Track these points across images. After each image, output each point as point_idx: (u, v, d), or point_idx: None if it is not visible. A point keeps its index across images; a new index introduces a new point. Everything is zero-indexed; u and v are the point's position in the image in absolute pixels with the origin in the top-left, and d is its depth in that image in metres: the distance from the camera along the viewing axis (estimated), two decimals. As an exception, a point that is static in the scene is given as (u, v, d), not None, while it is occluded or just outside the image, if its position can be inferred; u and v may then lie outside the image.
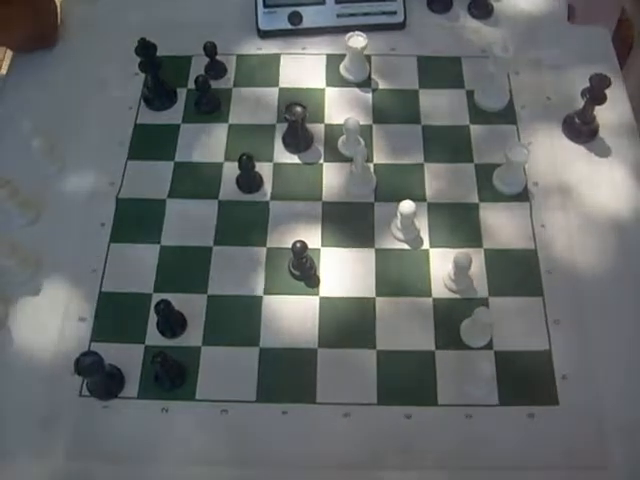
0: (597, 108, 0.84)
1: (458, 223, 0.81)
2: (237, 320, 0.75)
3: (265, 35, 0.96)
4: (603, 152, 0.86)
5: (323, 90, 0.92)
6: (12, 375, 0.73)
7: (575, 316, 0.75)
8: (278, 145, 0.87)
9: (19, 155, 0.85)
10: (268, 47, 0.96)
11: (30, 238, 0.80)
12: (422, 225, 0.80)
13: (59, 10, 0.98)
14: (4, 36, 0.93)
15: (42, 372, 0.72)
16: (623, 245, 0.79)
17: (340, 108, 0.90)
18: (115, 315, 0.76)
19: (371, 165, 0.85)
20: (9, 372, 0.73)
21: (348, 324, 0.75)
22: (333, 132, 0.87)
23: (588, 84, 0.82)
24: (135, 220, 0.82)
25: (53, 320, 0.75)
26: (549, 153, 0.86)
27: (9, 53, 0.99)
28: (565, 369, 0.72)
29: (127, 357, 0.73)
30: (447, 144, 0.87)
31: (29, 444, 0.69)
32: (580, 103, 0.84)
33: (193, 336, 0.74)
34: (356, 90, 0.92)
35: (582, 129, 0.86)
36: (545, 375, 0.72)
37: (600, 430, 0.69)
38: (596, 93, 0.82)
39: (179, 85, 0.92)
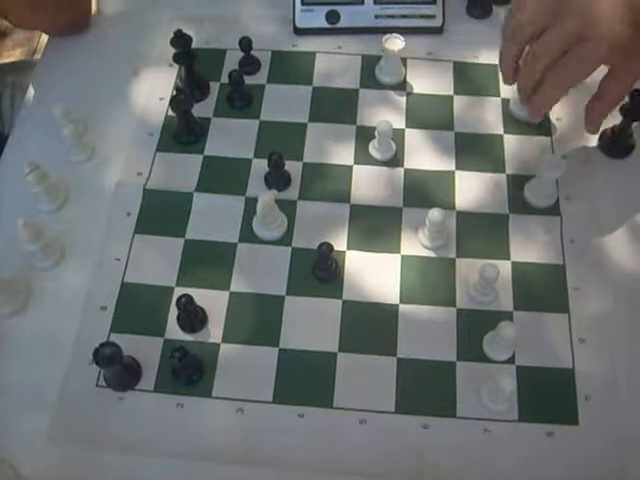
0: (635, 124, 0.82)
1: (486, 233, 0.80)
2: (258, 319, 0.75)
3: (301, 32, 0.95)
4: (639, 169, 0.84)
5: (357, 91, 0.91)
6: (30, 361, 0.73)
7: (601, 336, 0.73)
8: (308, 144, 0.86)
9: (49, 140, 0.85)
10: (304, 45, 0.95)
11: (55, 224, 0.80)
12: (450, 233, 0.79)
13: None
14: (38, 19, 0.93)
15: (60, 359, 0.72)
16: (656, 266, 0.77)
17: (373, 110, 0.89)
18: (136, 306, 0.75)
19: (402, 170, 0.84)
20: (27, 357, 0.73)
21: (370, 329, 0.74)
22: (365, 134, 0.86)
23: (627, 99, 0.80)
24: (161, 212, 0.81)
25: (74, 307, 0.75)
26: (583, 167, 0.84)
27: (43, 41, 0.99)
28: (588, 390, 0.70)
29: (145, 349, 0.72)
30: (480, 152, 0.86)
31: (43, 431, 0.69)
32: (618, 118, 0.83)
33: (213, 332, 0.74)
34: (390, 93, 0.91)
35: (619, 144, 0.85)
36: (567, 394, 0.70)
37: (621, 454, 0.67)
38: (635, 109, 0.80)
39: (212, 79, 0.92)
